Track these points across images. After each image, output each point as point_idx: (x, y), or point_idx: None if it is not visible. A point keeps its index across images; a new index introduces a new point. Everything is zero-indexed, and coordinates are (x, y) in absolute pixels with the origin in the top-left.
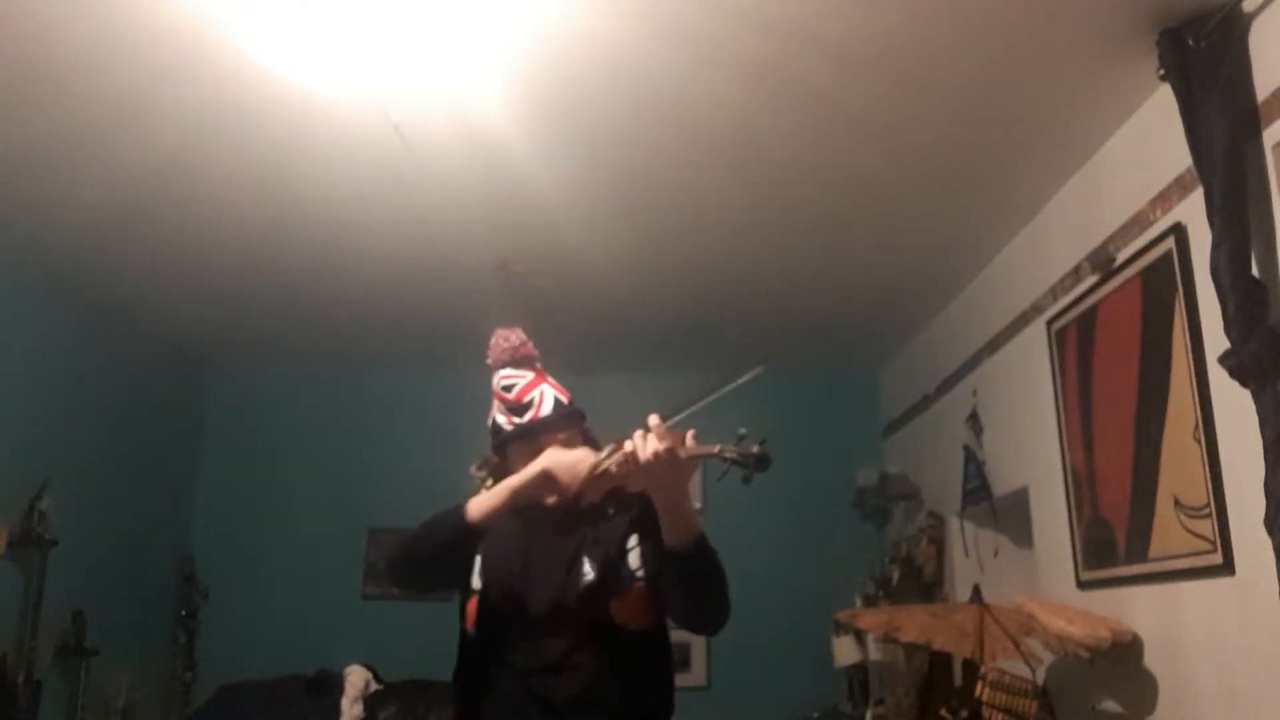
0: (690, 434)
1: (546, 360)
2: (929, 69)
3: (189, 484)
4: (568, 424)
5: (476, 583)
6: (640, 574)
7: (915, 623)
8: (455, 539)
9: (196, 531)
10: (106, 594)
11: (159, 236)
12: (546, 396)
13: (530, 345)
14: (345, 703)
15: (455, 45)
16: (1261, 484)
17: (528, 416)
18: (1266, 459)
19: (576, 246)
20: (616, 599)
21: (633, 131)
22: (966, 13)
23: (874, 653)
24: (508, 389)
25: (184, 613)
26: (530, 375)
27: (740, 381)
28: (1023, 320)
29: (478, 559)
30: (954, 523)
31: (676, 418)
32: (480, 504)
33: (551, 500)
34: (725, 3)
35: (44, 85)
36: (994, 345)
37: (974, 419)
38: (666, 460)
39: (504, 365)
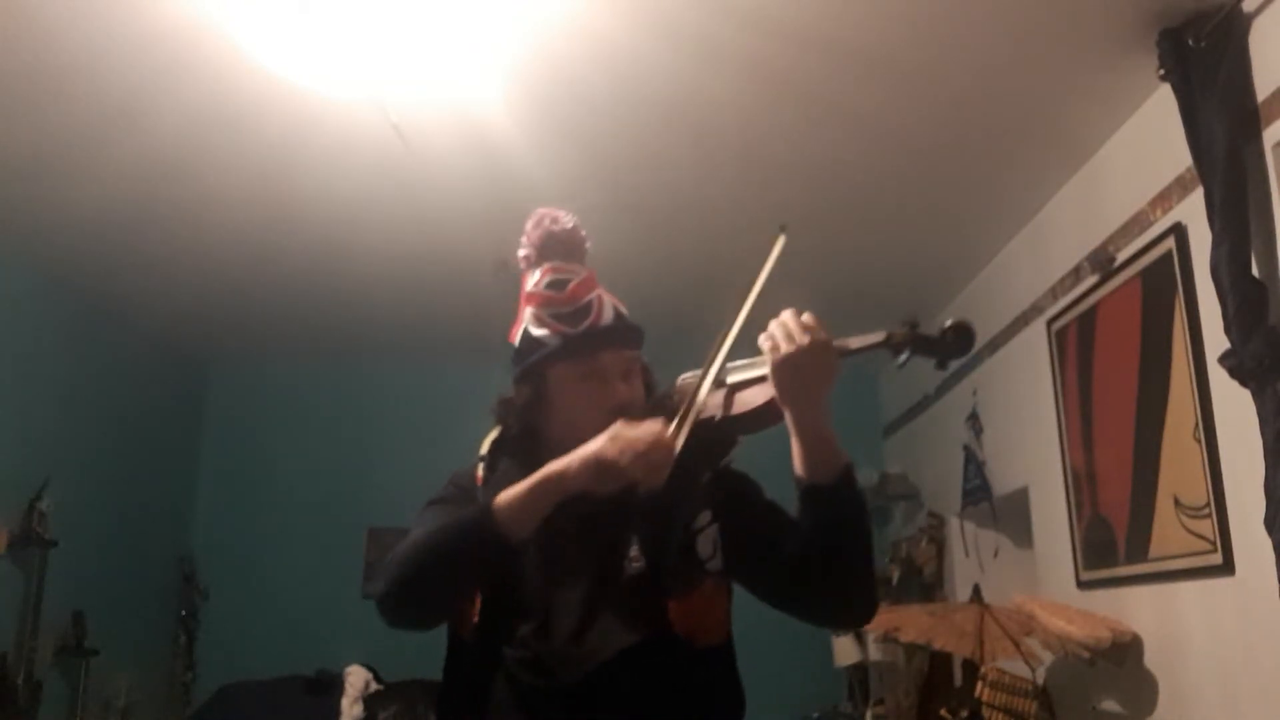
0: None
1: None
2: (929, 69)
3: (189, 484)
4: (632, 341)
5: None
6: (712, 566)
7: (915, 623)
8: (484, 558)
9: (196, 531)
10: (106, 594)
11: (158, 236)
12: (605, 302)
13: (584, 233)
14: (345, 703)
15: (455, 45)
16: (1261, 484)
17: (584, 325)
18: (1266, 459)
19: None
20: (676, 600)
21: (633, 131)
22: (966, 13)
23: (874, 653)
24: (557, 285)
25: (184, 613)
26: (584, 271)
27: (772, 259)
28: (1023, 320)
29: None
30: (954, 523)
31: (730, 337)
32: (514, 505)
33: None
34: (725, 3)
35: (44, 86)
36: (994, 345)
37: (974, 419)
38: (817, 358)
39: (553, 256)
